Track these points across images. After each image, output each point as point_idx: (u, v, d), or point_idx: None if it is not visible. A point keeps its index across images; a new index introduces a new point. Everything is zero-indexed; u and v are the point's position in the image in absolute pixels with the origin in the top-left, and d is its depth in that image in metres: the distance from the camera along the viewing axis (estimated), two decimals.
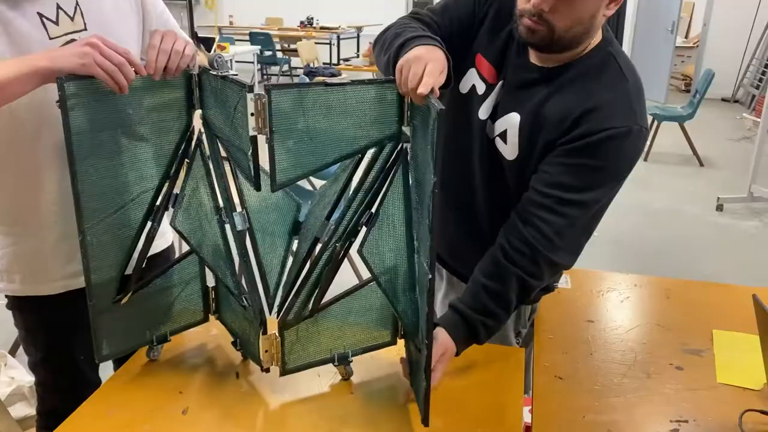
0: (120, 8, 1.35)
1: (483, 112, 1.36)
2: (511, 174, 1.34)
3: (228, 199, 1.26)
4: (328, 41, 10.01)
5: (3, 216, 1.34)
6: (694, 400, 1.30)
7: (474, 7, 1.38)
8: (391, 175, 1.19)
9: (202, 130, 1.29)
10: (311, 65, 8.37)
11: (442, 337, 1.26)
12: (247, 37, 8.97)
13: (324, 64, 9.16)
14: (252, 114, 1.09)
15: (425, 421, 1.15)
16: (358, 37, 10.51)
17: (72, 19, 1.26)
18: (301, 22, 10.10)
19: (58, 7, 1.24)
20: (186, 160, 1.31)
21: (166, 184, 1.31)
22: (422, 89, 1.06)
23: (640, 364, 1.42)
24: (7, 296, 1.41)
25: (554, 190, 1.24)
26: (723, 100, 9.37)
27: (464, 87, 1.39)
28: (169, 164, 1.29)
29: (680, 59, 10.01)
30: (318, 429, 1.18)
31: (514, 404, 1.25)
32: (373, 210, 1.20)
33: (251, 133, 1.10)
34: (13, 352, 2.69)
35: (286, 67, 9.32)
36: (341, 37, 10.07)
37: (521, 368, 1.35)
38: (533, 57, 1.31)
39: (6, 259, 1.37)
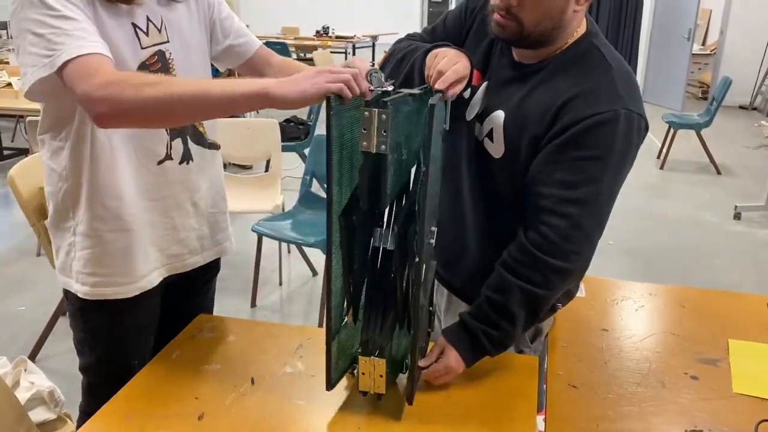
0: (193, 22, 1.43)
1: (469, 113, 1.37)
2: (499, 174, 1.34)
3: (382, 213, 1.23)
4: (343, 50, 10.05)
5: (86, 218, 1.35)
6: (709, 409, 1.29)
7: (461, 21, 1.43)
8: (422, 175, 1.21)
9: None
10: None
11: (450, 356, 1.28)
12: None
13: None
14: (364, 130, 1.06)
15: (409, 400, 1.20)
16: (373, 46, 10.54)
17: (159, 31, 1.33)
18: (317, 32, 10.16)
19: (148, 19, 1.31)
20: None
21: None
22: (440, 85, 1.14)
23: (654, 374, 1.41)
24: (86, 300, 1.40)
25: (551, 188, 1.22)
26: (740, 107, 9.29)
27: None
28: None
29: (697, 66, 9.95)
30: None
31: (528, 412, 1.25)
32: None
33: (362, 149, 1.08)
34: (32, 357, 2.73)
35: None
36: (356, 46, 10.11)
37: (535, 376, 1.35)
38: (516, 55, 1.33)
39: (83, 261, 1.37)
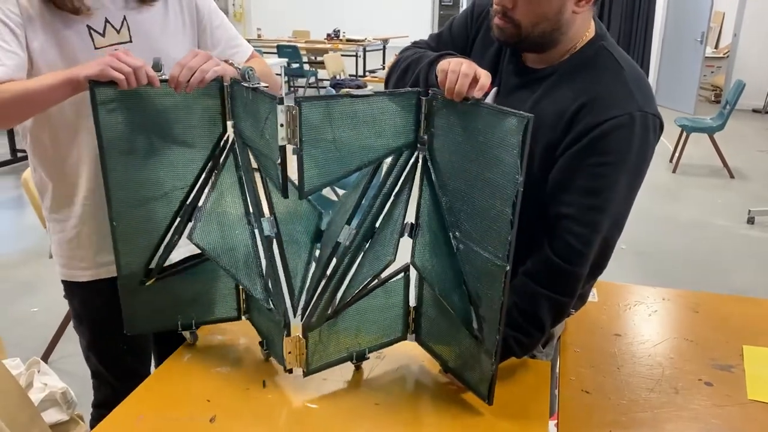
0: (169, 24, 1.45)
1: None
2: None
3: (257, 205, 1.32)
4: (354, 53, 10.07)
5: (50, 206, 1.47)
6: (723, 416, 1.28)
7: (466, 29, 1.43)
8: (418, 182, 1.24)
9: (235, 139, 1.35)
10: (338, 77, 8.44)
11: None
12: (275, 50, 9.07)
13: (350, 75, 9.22)
14: (281, 125, 1.13)
15: (491, 401, 1.22)
16: (384, 49, 10.56)
17: (118, 32, 1.37)
18: (328, 35, 10.19)
19: (106, 20, 1.35)
20: (216, 167, 1.35)
21: (194, 193, 1.37)
22: (479, 93, 1.12)
23: (668, 379, 1.40)
24: (63, 281, 1.54)
25: (573, 196, 1.22)
26: (754, 110, 9.22)
27: None
28: (202, 167, 1.37)
29: (710, 70, 9.88)
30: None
31: (540, 417, 1.24)
32: (414, 220, 1.26)
33: (280, 143, 1.14)
34: (45, 358, 2.74)
35: (312, 79, 9.41)
36: (367, 49, 10.13)
37: (547, 382, 1.34)
38: (525, 60, 1.33)
39: (55, 245, 1.51)
